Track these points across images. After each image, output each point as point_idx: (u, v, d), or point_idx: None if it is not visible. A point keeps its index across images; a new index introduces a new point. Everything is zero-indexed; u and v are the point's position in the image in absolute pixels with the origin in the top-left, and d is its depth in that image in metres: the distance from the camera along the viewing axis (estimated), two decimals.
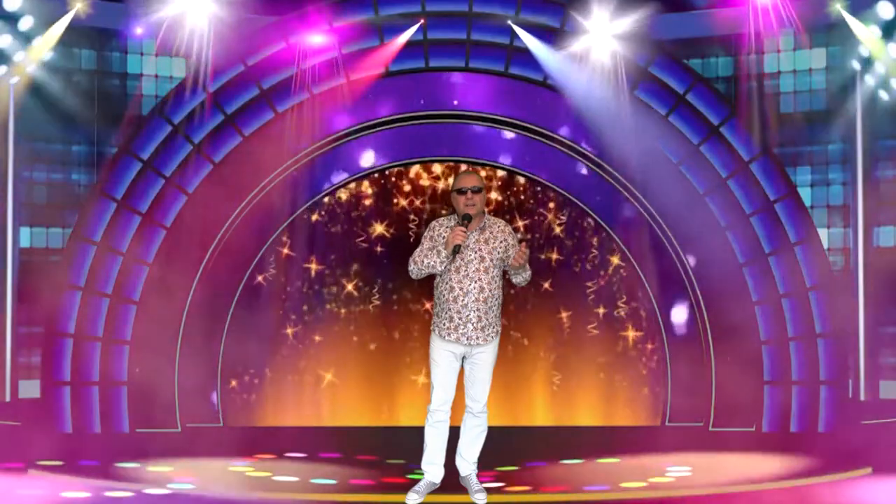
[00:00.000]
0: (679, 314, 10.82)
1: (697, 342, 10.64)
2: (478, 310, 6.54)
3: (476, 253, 6.56)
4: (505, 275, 6.77)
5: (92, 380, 10.17)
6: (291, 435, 10.50)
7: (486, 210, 6.73)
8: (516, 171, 11.12)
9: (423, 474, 6.79)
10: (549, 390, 11.19)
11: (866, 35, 9.72)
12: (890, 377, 10.12)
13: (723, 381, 10.48)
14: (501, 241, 6.62)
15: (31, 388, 10.14)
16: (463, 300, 6.52)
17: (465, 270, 6.54)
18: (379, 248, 11.19)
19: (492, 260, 6.57)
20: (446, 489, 6.90)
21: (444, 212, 10.91)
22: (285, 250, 11.04)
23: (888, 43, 9.75)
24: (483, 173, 11.03)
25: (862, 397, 10.10)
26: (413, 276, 6.65)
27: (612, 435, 10.53)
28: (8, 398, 9.94)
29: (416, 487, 6.79)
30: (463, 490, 6.88)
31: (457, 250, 6.41)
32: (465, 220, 6.49)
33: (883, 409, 9.89)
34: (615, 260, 11.11)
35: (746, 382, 10.33)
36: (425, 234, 6.70)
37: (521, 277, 6.65)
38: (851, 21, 9.72)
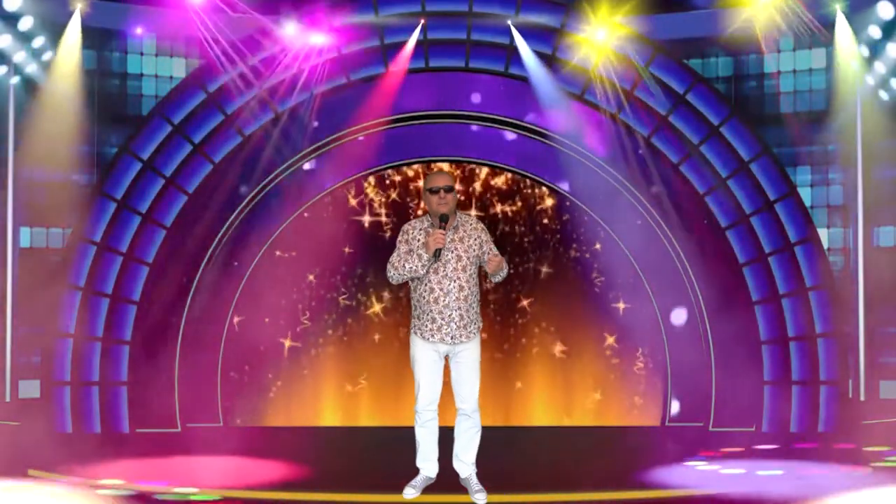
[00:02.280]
0: (679, 314, 10.81)
1: (697, 342, 10.64)
2: (459, 308, 6.59)
3: (453, 252, 6.61)
4: (480, 269, 6.81)
5: (92, 380, 10.18)
6: (287, 437, 10.51)
7: (457, 209, 6.78)
8: (518, 172, 11.15)
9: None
10: (549, 391, 11.19)
11: (850, 50, 9.74)
12: (890, 377, 10.12)
13: (723, 381, 10.48)
14: (475, 239, 6.69)
15: (31, 388, 10.15)
16: (444, 300, 6.57)
17: (444, 270, 6.59)
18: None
19: (468, 258, 6.63)
20: (446, 489, 6.91)
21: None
22: (278, 252, 11.05)
23: (883, 46, 9.77)
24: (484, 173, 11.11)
25: (862, 397, 10.11)
26: (393, 282, 6.72)
27: (611, 435, 10.53)
28: (8, 398, 9.95)
29: (412, 482, 6.83)
30: (462, 490, 6.89)
31: (438, 254, 6.47)
32: (443, 221, 6.52)
33: (883, 409, 9.89)
34: (616, 259, 11.10)
35: (746, 382, 10.34)
36: (399, 237, 6.73)
37: (499, 276, 6.69)
38: (842, 31, 9.73)
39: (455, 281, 6.59)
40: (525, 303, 11.21)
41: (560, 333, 11.19)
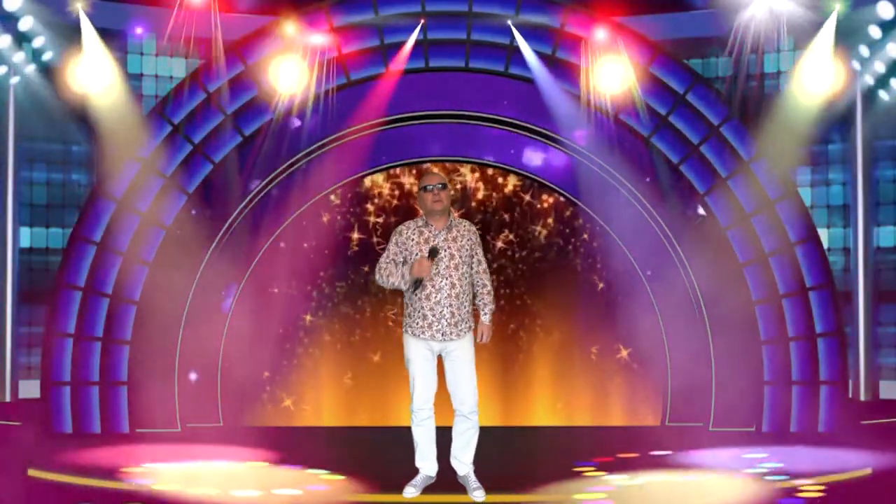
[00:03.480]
0: (678, 314, 10.80)
1: (697, 342, 10.64)
2: (450, 305, 6.65)
3: (446, 251, 6.68)
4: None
5: (92, 380, 10.17)
6: (291, 435, 10.51)
7: (452, 210, 6.86)
8: (522, 173, 11.16)
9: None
10: (549, 391, 11.20)
11: (826, 53, 9.76)
12: (890, 377, 10.13)
13: (723, 381, 10.48)
14: (468, 240, 6.81)
15: (31, 388, 10.15)
16: (436, 297, 6.64)
17: (437, 268, 6.67)
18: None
19: (461, 257, 6.72)
20: (446, 489, 6.92)
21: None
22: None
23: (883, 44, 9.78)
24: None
25: (862, 397, 10.11)
26: (378, 284, 6.80)
27: (611, 435, 10.53)
28: (8, 398, 9.96)
29: (412, 482, 6.85)
30: (462, 489, 6.90)
31: (417, 285, 6.55)
32: (433, 254, 6.58)
33: (883, 409, 9.90)
34: (615, 260, 11.11)
35: (746, 382, 10.35)
36: (392, 237, 6.80)
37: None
38: (827, 30, 9.74)
39: (447, 279, 6.65)
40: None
41: (558, 332, 11.20)
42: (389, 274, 6.72)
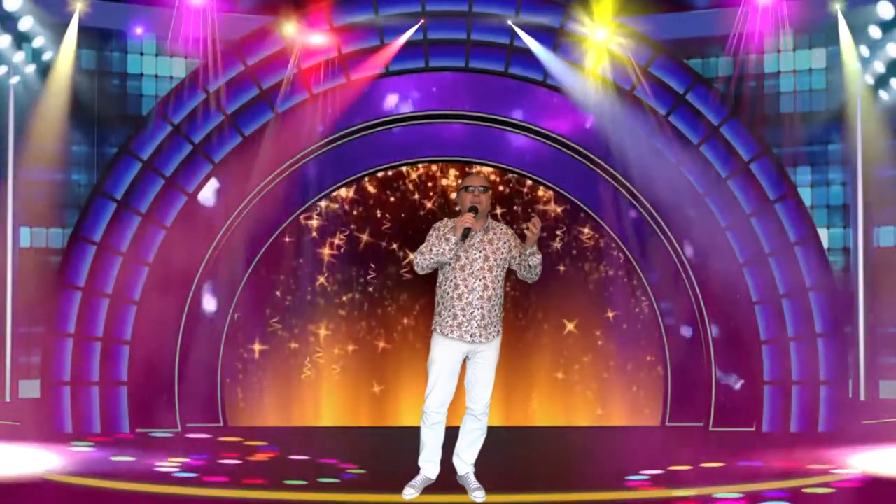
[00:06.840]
0: (679, 314, 10.80)
1: (697, 342, 10.64)
2: (482, 307, 6.61)
3: (481, 252, 6.65)
4: (511, 275, 6.83)
5: (92, 380, 10.17)
6: (292, 435, 10.51)
7: (490, 213, 6.81)
8: (524, 174, 11.16)
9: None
10: (550, 391, 11.20)
11: (850, 50, 9.78)
12: (890, 377, 10.13)
13: (723, 381, 10.47)
14: (505, 243, 6.73)
15: (31, 388, 10.15)
16: (468, 297, 6.60)
17: (470, 269, 6.63)
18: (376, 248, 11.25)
19: (496, 260, 6.65)
20: (446, 489, 6.91)
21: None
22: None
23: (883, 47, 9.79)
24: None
25: (862, 397, 10.12)
26: (419, 271, 6.71)
27: (611, 435, 10.53)
28: (8, 398, 9.95)
29: (412, 482, 6.84)
30: (462, 490, 6.90)
31: (466, 234, 6.50)
32: (472, 210, 6.59)
33: (883, 409, 9.90)
34: (616, 260, 11.11)
35: (746, 382, 10.35)
36: (430, 233, 6.75)
37: (535, 260, 6.61)
38: (842, 29, 9.76)
39: (480, 280, 6.62)
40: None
41: (558, 332, 11.21)
42: (433, 246, 6.58)
